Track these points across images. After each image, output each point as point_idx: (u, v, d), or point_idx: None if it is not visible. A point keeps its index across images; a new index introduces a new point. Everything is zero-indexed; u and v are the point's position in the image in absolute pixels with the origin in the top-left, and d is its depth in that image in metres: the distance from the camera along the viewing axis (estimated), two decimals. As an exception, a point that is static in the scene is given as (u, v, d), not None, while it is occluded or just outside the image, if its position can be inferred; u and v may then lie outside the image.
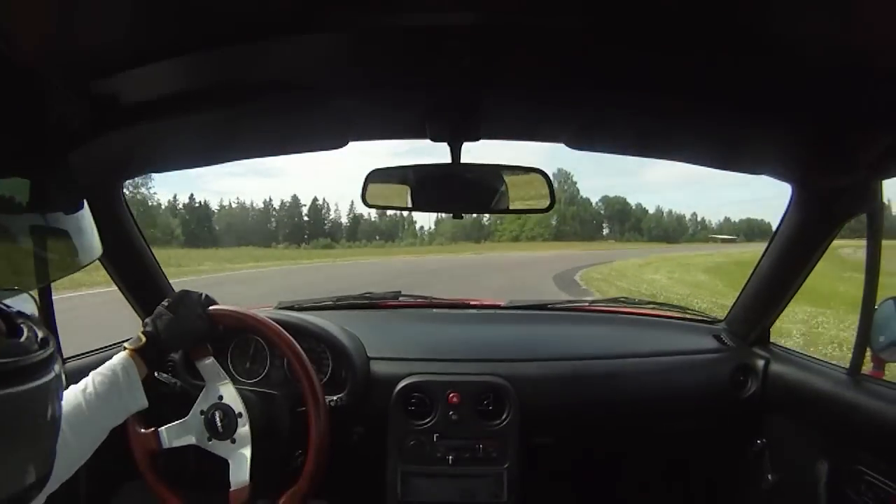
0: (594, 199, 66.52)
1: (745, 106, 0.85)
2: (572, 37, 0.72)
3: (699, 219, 78.30)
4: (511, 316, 1.64)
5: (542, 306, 1.66)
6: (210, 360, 1.07)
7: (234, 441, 1.05)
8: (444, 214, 1.14)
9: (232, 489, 1.03)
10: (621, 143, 1.10)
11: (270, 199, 62.92)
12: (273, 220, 54.57)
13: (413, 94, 0.89)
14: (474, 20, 0.69)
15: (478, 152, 0.98)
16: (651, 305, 1.69)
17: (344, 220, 59.89)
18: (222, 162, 1.16)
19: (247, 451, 1.04)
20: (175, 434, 1.07)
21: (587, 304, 1.69)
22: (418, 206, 1.05)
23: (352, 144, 1.05)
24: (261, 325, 1.10)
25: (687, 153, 1.12)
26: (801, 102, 0.82)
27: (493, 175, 1.02)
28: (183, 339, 1.00)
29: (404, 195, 1.04)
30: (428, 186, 1.03)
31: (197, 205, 46.05)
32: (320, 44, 0.74)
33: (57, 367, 0.50)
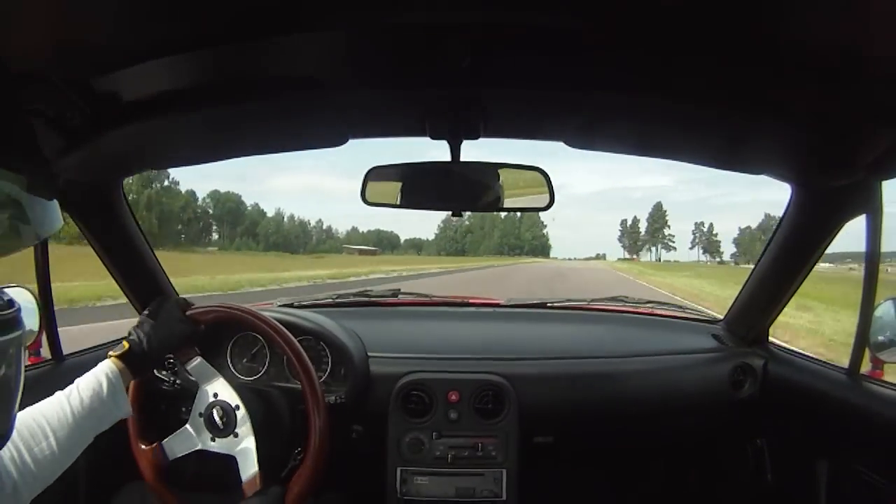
0: (201, 194, 53.50)
1: (745, 106, 0.84)
2: (572, 37, 0.72)
3: (325, 226, 71.34)
4: (510, 314, 1.64)
5: (541, 305, 1.66)
6: (198, 361, 1.07)
7: (236, 435, 1.04)
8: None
9: (244, 482, 1.03)
10: (622, 142, 1.10)
11: None
12: None
13: (413, 93, 0.89)
14: (474, 19, 0.69)
15: (478, 151, 0.99)
16: (650, 304, 1.69)
17: None
18: (222, 159, 1.16)
19: (250, 443, 1.04)
20: (179, 443, 1.07)
21: (586, 302, 1.69)
22: (417, 204, 1.05)
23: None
24: (260, 323, 1.10)
25: (687, 153, 1.12)
26: (801, 103, 0.82)
27: (492, 173, 1.02)
28: (166, 343, 1.01)
29: (404, 193, 1.04)
30: (427, 185, 1.03)
31: None
32: (321, 41, 0.74)
33: (21, 330, 0.52)
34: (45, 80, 0.73)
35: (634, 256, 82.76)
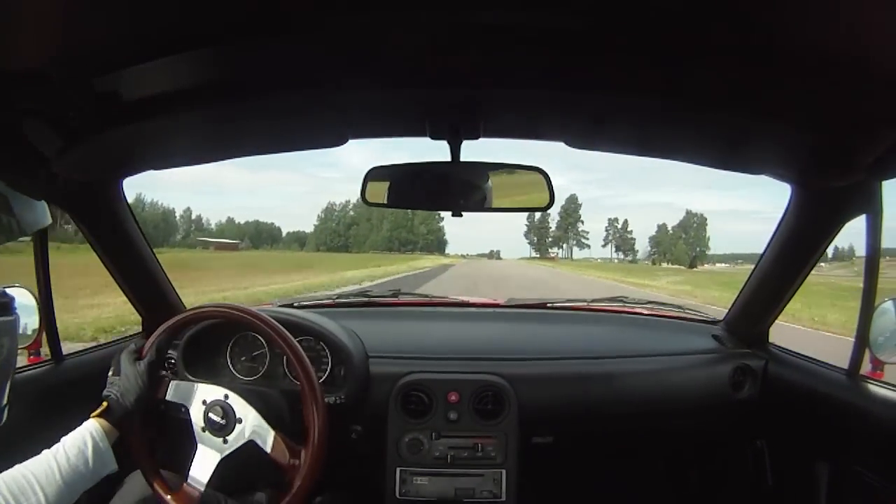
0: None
1: (745, 106, 0.84)
2: (572, 37, 0.72)
3: (194, 216, 63.55)
4: (510, 315, 1.65)
5: (541, 305, 1.66)
6: (174, 386, 1.07)
7: (240, 421, 1.05)
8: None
9: (269, 452, 1.04)
10: (622, 143, 1.10)
11: None
12: None
13: (413, 93, 0.89)
14: (475, 19, 0.69)
15: (478, 150, 0.98)
16: (650, 305, 1.69)
17: None
18: (223, 159, 1.16)
19: (255, 417, 1.04)
20: (200, 469, 1.06)
21: (587, 303, 1.69)
22: (417, 204, 1.05)
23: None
24: (259, 323, 1.10)
25: (687, 153, 1.12)
26: (801, 103, 0.82)
27: (492, 173, 1.02)
28: (139, 391, 1.02)
29: (404, 193, 1.04)
30: (427, 185, 1.03)
31: None
32: (321, 41, 0.74)
33: (12, 316, 0.53)
34: (46, 79, 0.73)
35: (555, 253, 76.63)
